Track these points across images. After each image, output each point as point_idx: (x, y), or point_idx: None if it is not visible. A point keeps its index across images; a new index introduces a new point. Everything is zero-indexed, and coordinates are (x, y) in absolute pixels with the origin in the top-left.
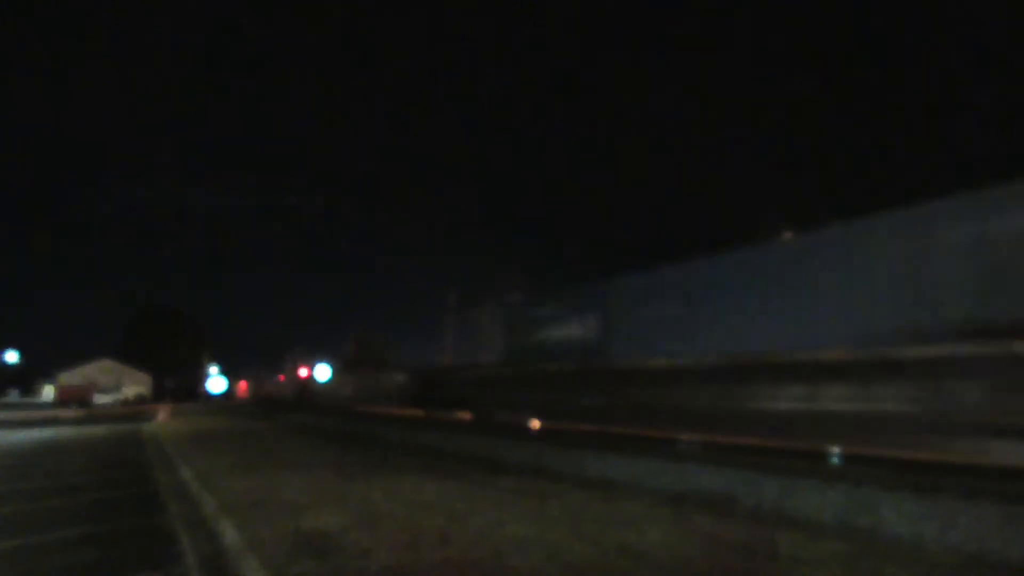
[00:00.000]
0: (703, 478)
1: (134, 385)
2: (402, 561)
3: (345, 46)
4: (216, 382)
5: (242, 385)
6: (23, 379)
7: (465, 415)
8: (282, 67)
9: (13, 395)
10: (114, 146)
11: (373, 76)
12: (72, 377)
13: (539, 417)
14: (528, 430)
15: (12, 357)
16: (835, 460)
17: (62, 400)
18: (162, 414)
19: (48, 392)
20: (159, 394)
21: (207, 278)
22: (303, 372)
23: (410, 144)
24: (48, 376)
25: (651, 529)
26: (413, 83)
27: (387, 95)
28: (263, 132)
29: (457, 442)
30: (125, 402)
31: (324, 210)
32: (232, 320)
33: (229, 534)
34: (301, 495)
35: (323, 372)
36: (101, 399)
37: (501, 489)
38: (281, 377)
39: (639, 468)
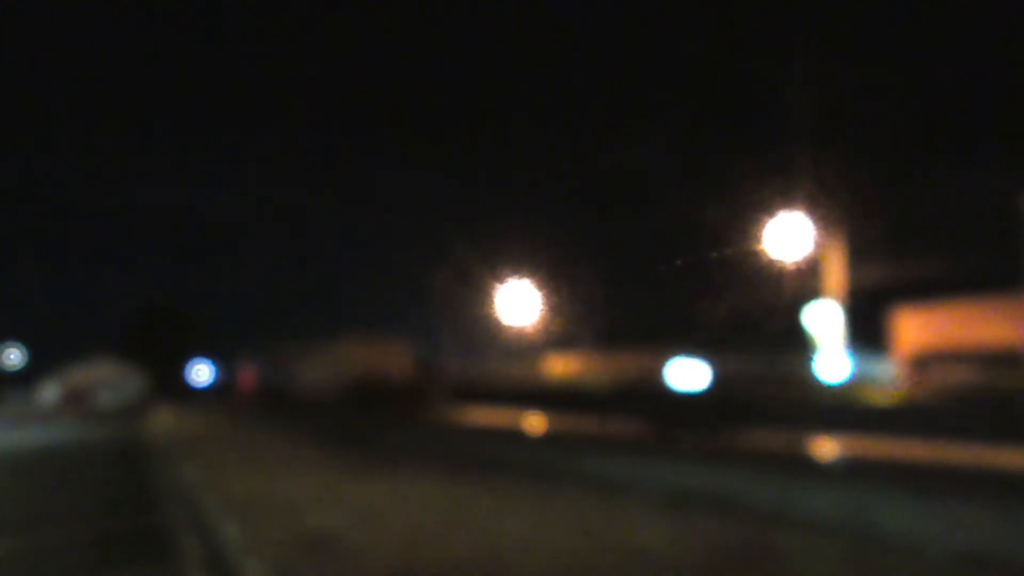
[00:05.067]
0: (703, 478)
1: (136, 383)
2: (402, 560)
3: (347, 45)
4: (201, 371)
5: (246, 379)
6: (25, 378)
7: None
8: (282, 63)
9: (17, 395)
10: (119, 144)
11: (372, 74)
12: (75, 375)
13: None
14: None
15: (15, 357)
16: (835, 460)
17: (66, 399)
18: (164, 413)
19: (50, 391)
20: (161, 392)
21: (208, 275)
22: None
23: (410, 141)
24: (50, 374)
25: (651, 529)
26: (412, 81)
27: (387, 93)
28: (264, 130)
29: (457, 442)
30: (127, 400)
31: (322, 204)
32: (234, 317)
33: (230, 533)
34: (301, 494)
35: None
36: (104, 397)
37: (501, 489)
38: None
39: (639, 468)
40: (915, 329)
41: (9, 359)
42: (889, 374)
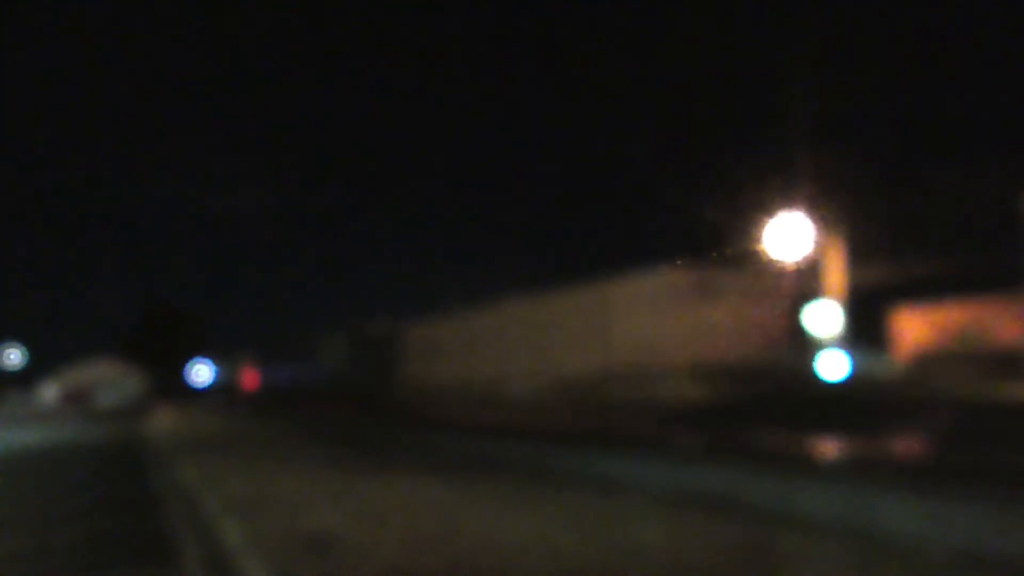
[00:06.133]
0: (703, 478)
1: (136, 383)
2: (403, 560)
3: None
4: (201, 372)
5: (248, 378)
6: (25, 378)
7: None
8: (282, 65)
9: (17, 395)
10: (119, 144)
11: (374, 74)
12: (75, 375)
13: None
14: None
15: (15, 357)
16: (835, 460)
17: (66, 399)
18: (164, 413)
19: (50, 391)
20: (160, 392)
21: (209, 276)
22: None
23: (414, 142)
24: (50, 374)
25: (651, 529)
26: (416, 82)
27: (391, 92)
28: (267, 132)
29: (457, 442)
30: (127, 400)
31: (332, 209)
32: (234, 318)
33: (230, 533)
34: (301, 494)
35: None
36: (104, 397)
37: (501, 488)
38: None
39: (639, 468)
40: (915, 329)
41: (9, 359)
42: (889, 373)
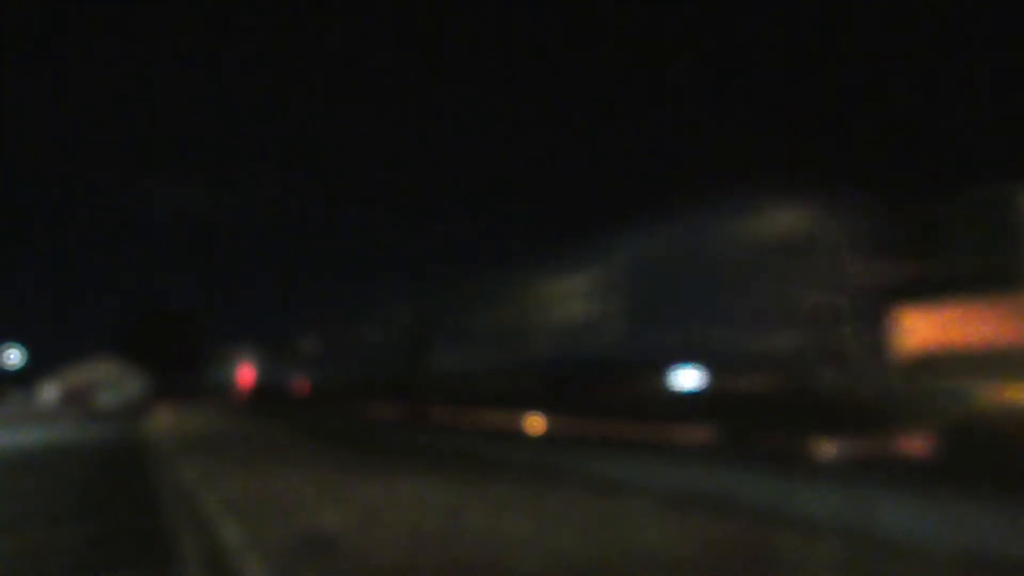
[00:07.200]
0: (703, 478)
1: (135, 383)
2: (402, 561)
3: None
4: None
5: (246, 378)
6: (25, 378)
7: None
8: (282, 67)
9: (17, 395)
10: (119, 145)
11: (368, 72)
12: (75, 375)
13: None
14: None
15: (15, 357)
16: (835, 460)
17: (66, 399)
18: (163, 413)
19: (50, 391)
20: (160, 392)
21: (208, 277)
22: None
23: (410, 142)
24: (50, 374)
25: (651, 529)
26: (414, 79)
27: (387, 91)
28: (265, 132)
29: (457, 442)
30: (126, 400)
31: (329, 211)
32: (233, 320)
33: (229, 533)
34: (301, 494)
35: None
36: (103, 397)
37: (501, 489)
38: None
39: (639, 468)
40: (916, 328)
41: (9, 359)
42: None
